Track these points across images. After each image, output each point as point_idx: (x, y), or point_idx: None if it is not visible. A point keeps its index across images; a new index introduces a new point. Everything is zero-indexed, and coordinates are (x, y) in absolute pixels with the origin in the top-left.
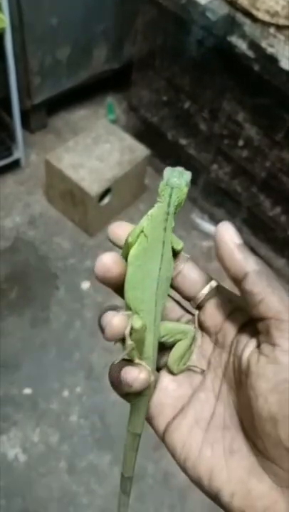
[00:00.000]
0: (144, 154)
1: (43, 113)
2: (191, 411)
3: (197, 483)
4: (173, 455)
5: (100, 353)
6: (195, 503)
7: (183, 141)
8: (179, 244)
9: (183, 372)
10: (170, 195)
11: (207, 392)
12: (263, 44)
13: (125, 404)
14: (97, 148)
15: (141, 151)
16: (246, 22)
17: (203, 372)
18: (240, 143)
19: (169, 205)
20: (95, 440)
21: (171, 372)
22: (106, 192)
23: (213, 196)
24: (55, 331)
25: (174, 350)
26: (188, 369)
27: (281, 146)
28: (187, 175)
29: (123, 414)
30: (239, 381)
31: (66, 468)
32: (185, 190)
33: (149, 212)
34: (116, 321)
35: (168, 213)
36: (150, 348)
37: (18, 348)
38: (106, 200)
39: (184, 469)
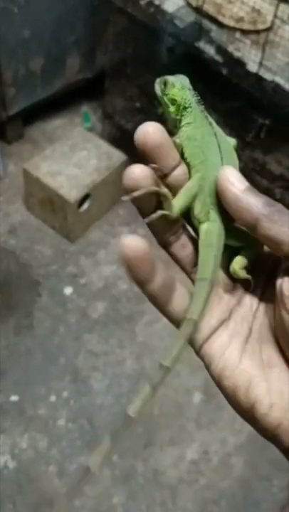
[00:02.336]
0: (121, 160)
1: (19, 124)
2: (232, 324)
3: (232, 394)
4: (208, 366)
5: (85, 357)
6: (186, 498)
7: None
8: (232, 140)
9: (239, 278)
10: (194, 95)
11: (246, 309)
12: (230, 49)
13: (113, 406)
14: (74, 156)
15: (118, 157)
16: (213, 28)
17: (250, 287)
18: None
19: (198, 102)
20: (84, 443)
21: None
22: (85, 198)
23: None
24: (40, 337)
25: (241, 255)
26: (236, 282)
27: (253, 146)
28: (184, 77)
29: (111, 416)
30: (275, 304)
31: (56, 472)
32: (188, 82)
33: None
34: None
35: (202, 110)
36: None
37: (3, 355)
38: (85, 206)
39: (220, 379)
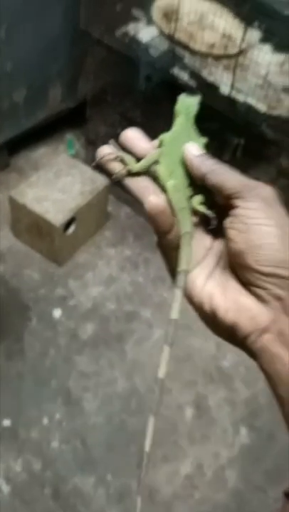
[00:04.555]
0: (105, 184)
1: (4, 153)
2: (205, 260)
3: (200, 309)
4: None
5: (76, 378)
6: None
7: None
8: (203, 139)
9: (200, 213)
10: (188, 108)
11: (214, 245)
12: (203, 73)
13: (105, 426)
14: (59, 182)
15: (101, 180)
16: (186, 55)
17: (211, 226)
18: None
19: (188, 114)
20: (78, 464)
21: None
22: (71, 221)
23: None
24: (31, 361)
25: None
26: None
27: (231, 165)
28: (198, 96)
29: (103, 435)
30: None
31: (51, 493)
32: (197, 102)
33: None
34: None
35: (188, 120)
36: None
37: None
38: (71, 229)
39: (191, 300)
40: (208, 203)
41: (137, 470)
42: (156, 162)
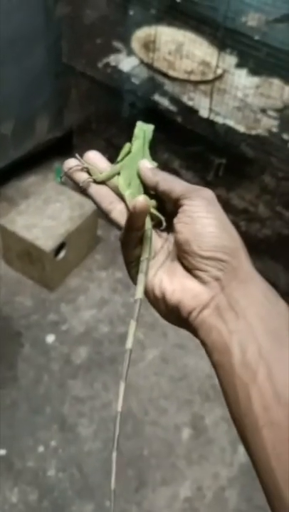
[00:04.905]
0: (94, 208)
1: None
2: (154, 259)
3: (152, 293)
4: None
5: (70, 403)
6: None
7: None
8: (155, 163)
9: (158, 216)
10: (145, 133)
11: (166, 241)
12: (183, 98)
13: (101, 451)
14: (48, 208)
15: (90, 205)
16: (166, 82)
17: (162, 226)
18: None
19: (145, 138)
20: (76, 492)
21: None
22: (61, 247)
23: None
24: (24, 388)
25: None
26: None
27: (215, 184)
28: (152, 125)
29: (100, 462)
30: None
31: None
32: (152, 129)
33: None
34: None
35: (145, 143)
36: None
37: None
38: (62, 254)
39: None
40: (159, 209)
41: (135, 495)
42: (117, 174)
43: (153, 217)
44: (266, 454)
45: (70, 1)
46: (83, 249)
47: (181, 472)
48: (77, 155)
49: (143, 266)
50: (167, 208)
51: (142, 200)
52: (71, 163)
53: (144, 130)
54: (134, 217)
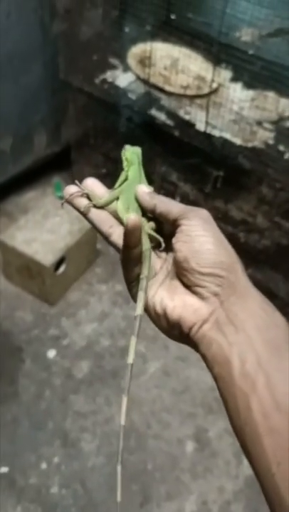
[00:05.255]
0: None
1: None
2: (155, 278)
3: (153, 310)
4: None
5: (73, 418)
6: None
7: None
8: (150, 188)
9: (157, 237)
10: (138, 157)
11: (165, 261)
12: (180, 113)
13: (105, 466)
14: (47, 223)
15: None
16: (162, 96)
17: (160, 247)
18: (178, 199)
19: (139, 163)
20: (80, 508)
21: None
22: (61, 261)
23: None
24: (26, 404)
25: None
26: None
27: (213, 196)
28: (139, 148)
29: (104, 477)
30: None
31: None
32: (140, 152)
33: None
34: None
35: (140, 168)
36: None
37: None
38: (62, 268)
39: (146, 303)
40: (157, 231)
41: (140, 510)
42: (116, 199)
43: (152, 239)
44: (267, 461)
45: (66, 18)
46: (83, 263)
47: (185, 486)
48: (77, 181)
49: (143, 283)
50: (165, 229)
51: (133, 217)
52: (72, 189)
53: (137, 154)
54: (128, 234)
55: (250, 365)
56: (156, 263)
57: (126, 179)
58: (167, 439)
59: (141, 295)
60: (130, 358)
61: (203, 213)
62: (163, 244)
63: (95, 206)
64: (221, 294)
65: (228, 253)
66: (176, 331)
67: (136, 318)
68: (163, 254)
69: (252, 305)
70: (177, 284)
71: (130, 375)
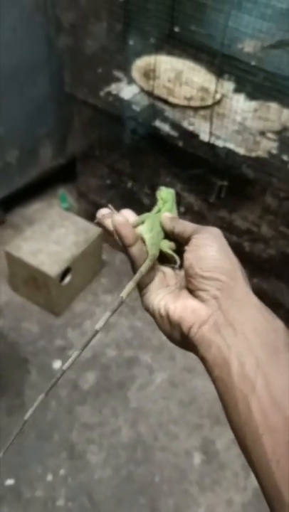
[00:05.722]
0: (98, 233)
1: (0, 211)
2: (166, 289)
3: (158, 313)
4: (147, 308)
5: (79, 430)
6: None
7: None
8: (174, 214)
9: (167, 255)
10: (172, 197)
11: (177, 283)
12: (184, 124)
13: (112, 479)
14: (53, 234)
15: (94, 230)
16: (166, 108)
17: (176, 264)
18: (182, 209)
19: (172, 202)
20: None
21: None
22: (66, 272)
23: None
24: (32, 415)
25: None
26: (171, 266)
27: (217, 206)
28: (172, 190)
29: (111, 489)
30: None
31: None
32: (174, 193)
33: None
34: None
35: (173, 207)
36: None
37: None
38: (67, 279)
39: (151, 309)
40: (177, 251)
41: None
42: (141, 223)
43: (169, 258)
44: (266, 460)
45: (71, 33)
46: (88, 274)
47: (194, 499)
48: (109, 205)
49: (136, 275)
50: (183, 249)
51: (117, 216)
52: (103, 211)
53: (171, 194)
54: (118, 232)
55: (249, 367)
56: (171, 279)
57: (158, 212)
58: (175, 451)
59: (130, 283)
60: (97, 326)
61: (214, 230)
62: (178, 262)
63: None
64: (220, 297)
65: (231, 261)
66: (177, 332)
67: (120, 299)
68: (179, 272)
69: (250, 310)
70: (184, 291)
71: (91, 339)
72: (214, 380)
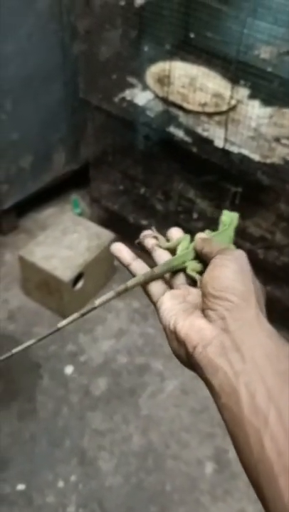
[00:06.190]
0: (110, 238)
1: (13, 216)
2: (186, 301)
3: (168, 326)
4: (161, 316)
5: (91, 436)
6: None
7: (144, 222)
8: (232, 245)
9: (193, 276)
10: (232, 221)
11: (193, 292)
12: (198, 130)
13: (122, 487)
14: (66, 239)
15: (107, 235)
16: (180, 114)
17: (196, 285)
18: (195, 216)
19: (234, 227)
20: None
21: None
22: (79, 277)
23: None
24: (43, 421)
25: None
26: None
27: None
28: (236, 213)
29: (122, 497)
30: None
31: None
32: (237, 217)
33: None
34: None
35: (231, 230)
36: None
37: (7, 443)
38: (80, 284)
39: (162, 318)
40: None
41: None
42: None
43: (192, 279)
44: (283, 503)
45: (86, 39)
46: (101, 279)
47: (205, 509)
48: (153, 227)
49: (120, 287)
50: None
51: (117, 245)
52: (146, 232)
53: (231, 217)
54: (113, 255)
55: (260, 399)
56: (196, 298)
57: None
58: (186, 460)
59: (111, 293)
60: (97, 301)
61: (238, 251)
62: (199, 283)
63: (159, 246)
64: (228, 317)
65: (246, 283)
66: (183, 350)
67: (92, 305)
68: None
69: (260, 334)
70: (197, 311)
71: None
72: (220, 408)
